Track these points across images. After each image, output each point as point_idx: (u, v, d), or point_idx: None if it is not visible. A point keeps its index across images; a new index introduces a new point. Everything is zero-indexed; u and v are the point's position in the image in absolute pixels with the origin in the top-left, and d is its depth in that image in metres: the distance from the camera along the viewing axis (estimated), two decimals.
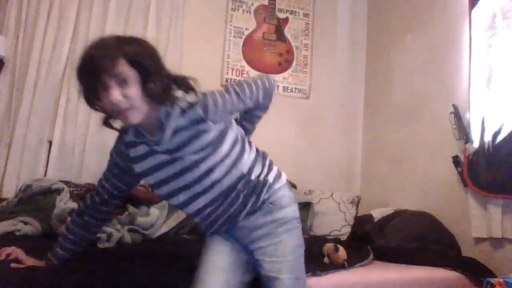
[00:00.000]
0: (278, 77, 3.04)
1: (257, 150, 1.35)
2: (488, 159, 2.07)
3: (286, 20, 3.16)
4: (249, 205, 1.25)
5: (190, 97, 1.17)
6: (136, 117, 1.11)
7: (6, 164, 2.41)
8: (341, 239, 2.36)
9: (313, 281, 1.62)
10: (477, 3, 2.22)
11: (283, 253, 1.25)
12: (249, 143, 1.33)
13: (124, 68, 1.06)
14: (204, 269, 1.25)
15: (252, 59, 3.03)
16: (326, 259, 1.81)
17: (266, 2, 3.13)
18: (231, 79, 2.97)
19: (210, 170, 1.19)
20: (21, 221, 1.88)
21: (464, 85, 2.29)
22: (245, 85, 1.27)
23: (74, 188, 2.19)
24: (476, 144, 2.13)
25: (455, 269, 1.88)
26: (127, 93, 1.07)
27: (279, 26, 3.13)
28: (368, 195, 2.91)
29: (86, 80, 1.10)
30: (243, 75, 3.00)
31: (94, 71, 1.05)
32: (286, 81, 3.09)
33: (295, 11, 3.19)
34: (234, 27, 3.04)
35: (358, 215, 2.63)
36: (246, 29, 3.06)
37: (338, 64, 3.25)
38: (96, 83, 1.07)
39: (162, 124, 1.17)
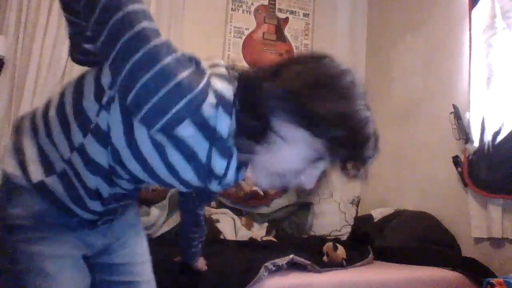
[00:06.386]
0: None
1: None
2: (488, 159, 2.07)
3: (286, 20, 3.16)
4: None
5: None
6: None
7: None
8: (341, 239, 2.37)
9: (314, 279, 1.63)
10: (477, 3, 2.23)
11: None
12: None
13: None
14: None
15: (252, 59, 3.02)
16: (325, 258, 1.83)
17: (266, 2, 3.13)
18: None
19: None
20: None
21: (464, 85, 2.29)
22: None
23: None
24: (476, 144, 2.13)
25: (455, 269, 1.88)
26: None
27: (279, 26, 3.13)
28: (368, 195, 2.91)
29: (329, 143, 0.82)
30: None
31: (351, 151, 0.86)
32: None
33: (295, 11, 3.19)
34: (234, 27, 3.04)
35: (358, 215, 2.63)
36: (246, 29, 3.06)
37: None
38: (323, 155, 0.84)
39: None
